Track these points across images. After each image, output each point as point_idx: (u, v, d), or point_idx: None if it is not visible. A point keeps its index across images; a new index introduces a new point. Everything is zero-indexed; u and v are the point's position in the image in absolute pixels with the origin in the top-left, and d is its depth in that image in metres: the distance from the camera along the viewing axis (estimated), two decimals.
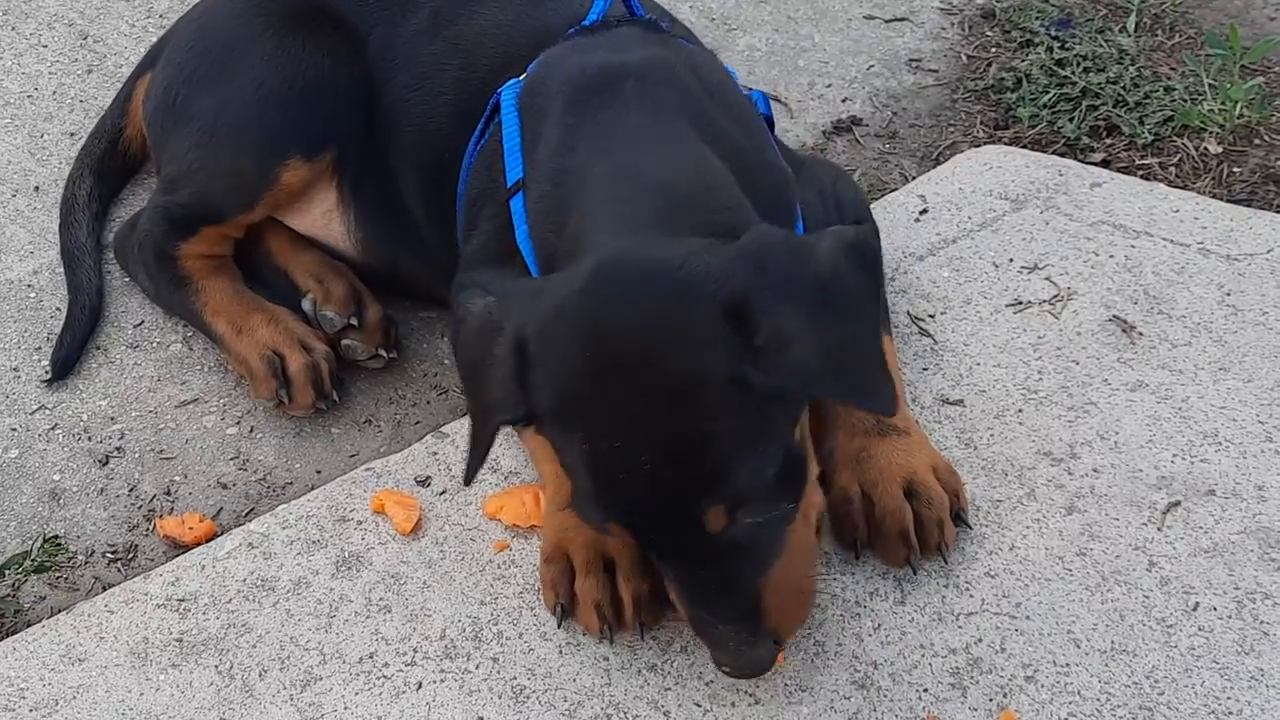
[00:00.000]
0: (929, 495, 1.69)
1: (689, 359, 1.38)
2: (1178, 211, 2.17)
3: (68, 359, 2.07)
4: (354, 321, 2.04)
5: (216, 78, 2.03)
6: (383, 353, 2.06)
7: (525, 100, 1.79)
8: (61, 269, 2.19)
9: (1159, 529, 1.76)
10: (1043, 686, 1.62)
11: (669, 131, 1.68)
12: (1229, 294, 2.04)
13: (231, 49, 2.04)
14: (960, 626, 1.67)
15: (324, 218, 2.08)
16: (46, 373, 2.06)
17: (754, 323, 1.38)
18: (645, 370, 1.38)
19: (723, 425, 1.38)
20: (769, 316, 1.38)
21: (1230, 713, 1.59)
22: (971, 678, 1.62)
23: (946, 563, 1.71)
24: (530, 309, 1.47)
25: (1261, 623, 1.67)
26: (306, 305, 2.06)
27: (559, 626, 1.67)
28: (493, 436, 1.52)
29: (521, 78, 1.82)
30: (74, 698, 1.64)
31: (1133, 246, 2.11)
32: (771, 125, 1.90)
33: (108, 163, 2.26)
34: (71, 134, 2.43)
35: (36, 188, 2.33)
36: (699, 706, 1.61)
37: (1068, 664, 1.64)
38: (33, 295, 2.19)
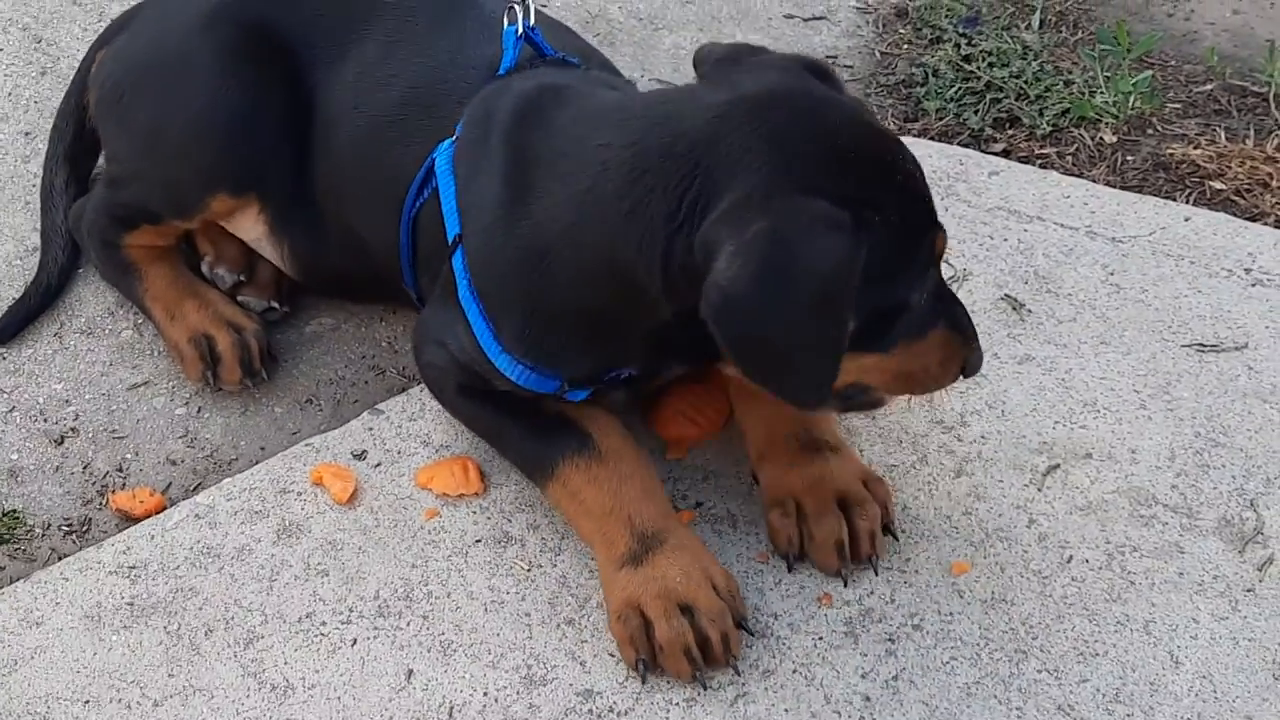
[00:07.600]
0: (862, 509, 1.80)
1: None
2: (1068, 197, 2.32)
3: (6, 327, 2.19)
4: (243, 278, 2.20)
5: (160, 92, 2.11)
6: (275, 304, 2.21)
7: (461, 154, 1.87)
8: (17, 262, 2.30)
9: (1039, 489, 1.91)
10: (927, 633, 1.76)
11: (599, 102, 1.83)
12: (1113, 273, 2.18)
13: (179, 69, 2.10)
14: (855, 581, 1.81)
15: (256, 242, 2.19)
16: None
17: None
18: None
19: None
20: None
21: (1097, 654, 1.74)
22: (863, 626, 1.76)
23: (877, 574, 1.80)
24: (813, 177, 1.57)
25: (1129, 573, 1.82)
26: (204, 267, 2.22)
27: (643, 683, 1.69)
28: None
29: (453, 139, 1.89)
30: (32, 658, 1.76)
31: (1025, 230, 2.26)
32: None
33: (78, 145, 2.34)
34: (27, 133, 2.53)
35: None
36: (612, 656, 1.74)
37: (951, 613, 1.78)
38: None
